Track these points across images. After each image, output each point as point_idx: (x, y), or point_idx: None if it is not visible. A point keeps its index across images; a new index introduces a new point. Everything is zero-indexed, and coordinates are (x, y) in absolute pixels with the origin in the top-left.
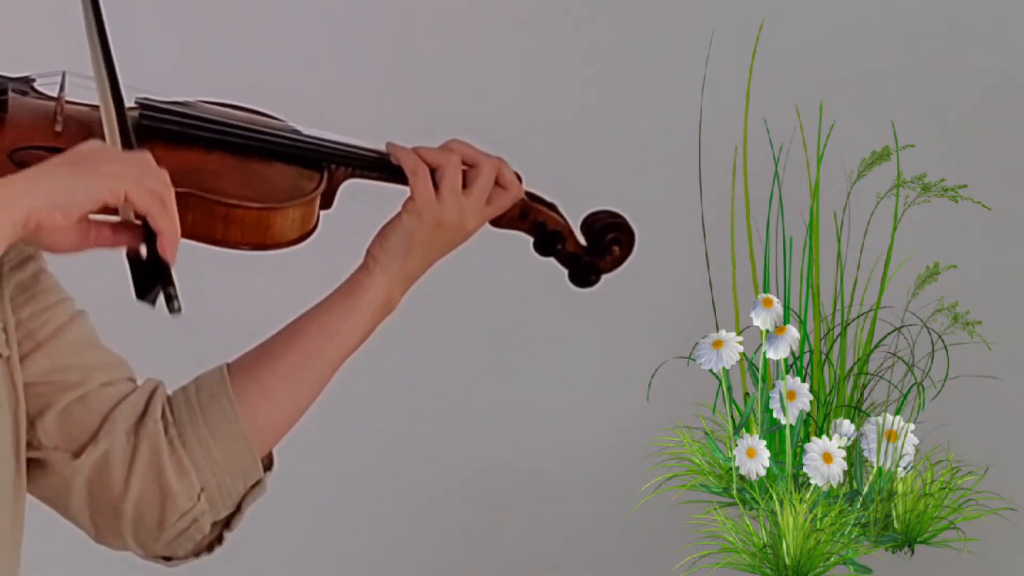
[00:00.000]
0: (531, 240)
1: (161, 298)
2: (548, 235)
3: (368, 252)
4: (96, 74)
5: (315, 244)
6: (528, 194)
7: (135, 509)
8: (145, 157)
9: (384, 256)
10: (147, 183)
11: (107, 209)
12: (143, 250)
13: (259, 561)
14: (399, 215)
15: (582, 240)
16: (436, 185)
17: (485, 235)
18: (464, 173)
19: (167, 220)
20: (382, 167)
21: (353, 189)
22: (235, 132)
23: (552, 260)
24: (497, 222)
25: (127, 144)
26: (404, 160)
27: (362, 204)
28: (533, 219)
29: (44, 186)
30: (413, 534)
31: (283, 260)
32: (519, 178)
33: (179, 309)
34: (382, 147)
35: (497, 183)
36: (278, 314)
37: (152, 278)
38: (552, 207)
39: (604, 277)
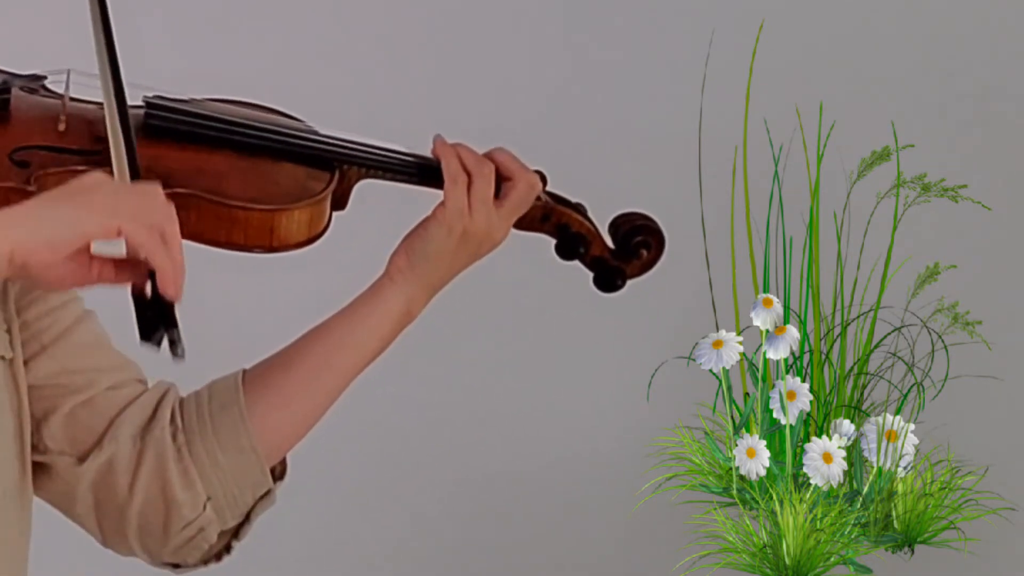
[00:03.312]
0: (553, 243)
1: (166, 342)
2: (571, 238)
3: (391, 261)
4: (101, 73)
5: (333, 246)
6: (552, 195)
7: (140, 516)
8: (148, 189)
9: (408, 266)
10: (145, 217)
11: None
12: (148, 289)
13: (266, 565)
14: (427, 223)
15: (610, 243)
16: (466, 195)
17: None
18: (498, 184)
19: (165, 258)
20: (397, 167)
21: (373, 190)
22: (241, 131)
23: (576, 264)
24: (518, 224)
25: (129, 143)
26: (447, 163)
27: (383, 205)
28: (556, 221)
29: (30, 221)
30: (413, 534)
31: (301, 261)
32: (543, 178)
33: (182, 355)
34: (397, 146)
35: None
36: (296, 316)
37: (156, 319)
38: (577, 208)
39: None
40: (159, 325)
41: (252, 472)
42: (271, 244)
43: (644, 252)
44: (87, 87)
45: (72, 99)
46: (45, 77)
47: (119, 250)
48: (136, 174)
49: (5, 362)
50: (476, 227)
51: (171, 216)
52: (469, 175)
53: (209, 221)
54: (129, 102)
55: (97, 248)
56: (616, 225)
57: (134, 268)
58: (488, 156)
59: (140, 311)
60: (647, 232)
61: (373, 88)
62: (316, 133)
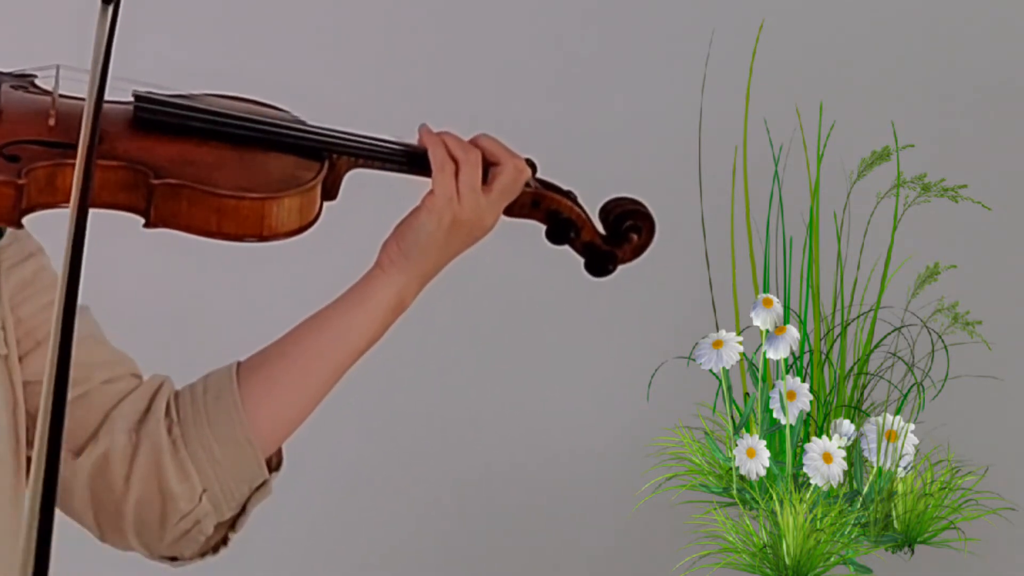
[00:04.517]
0: (543, 229)
1: None
2: (562, 223)
3: (383, 250)
4: (92, 69)
5: (326, 238)
6: (541, 182)
7: (136, 510)
8: None
9: (400, 256)
10: None
11: None
12: None
13: (261, 562)
14: (417, 212)
15: (600, 228)
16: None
17: (495, 250)
18: (486, 169)
19: None
20: (386, 156)
21: (363, 180)
22: (229, 122)
23: (566, 250)
24: (508, 210)
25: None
26: (433, 151)
27: (374, 194)
28: (546, 207)
29: None
30: (412, 534)
31: (295, 253)
32: (533, 166)
33: None
34: (388, 136)
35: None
36: (291, 308)
37: None
38: (568, 195)
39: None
40: None
41: (248, 464)
42: (262, 233)
43: (635, 236)
44: (76, 83)
45: (62, 95)
46: (34, 75)
47: None
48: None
49: (0, 358)
50: (465, 214)
51: None
52: (456, 162)
53: (200, 211)
54: (119, 97)
55: None
56: (606, 210)
57: None
58: (473, 143)
59: None
60: (637, 216)
61: (367, 79)
62: (304, 124)
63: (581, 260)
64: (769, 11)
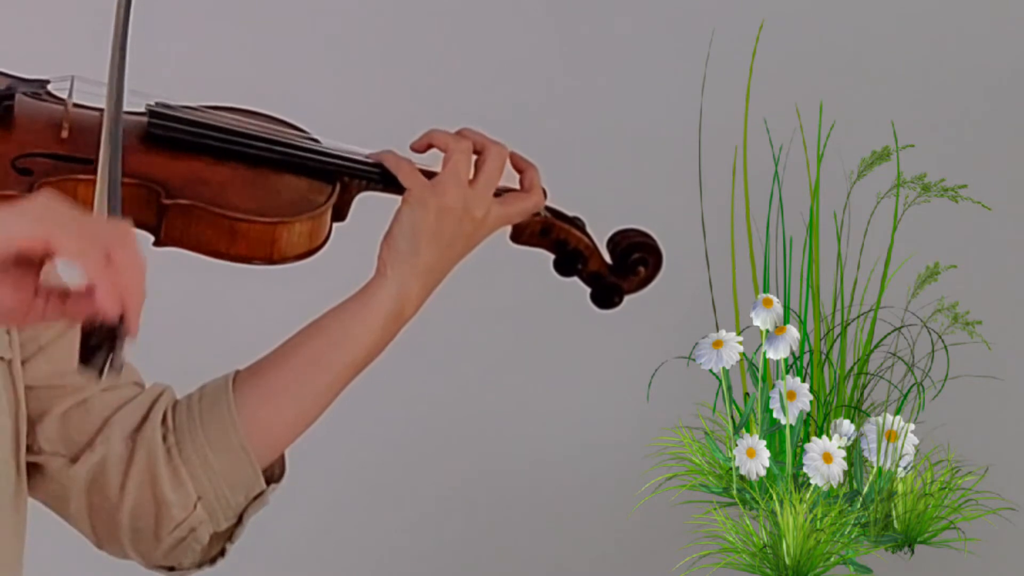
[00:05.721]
0: (552, 258)
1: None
2: (570, 254)
3: (378, 258)
4: (108, 81)
5: (333, 255)
6: (551, 210)
7: (131, 518)
8: (106, 217)
9: (392, 256)
10: (86, 232)
11: (28, 259)
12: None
13: (261, 566)
14: (399, 210)
15: (607, 258)
16: (441, 169)
17: (489, 238)
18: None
19: (103, 275)
20: (396, 181)
21: (369, 201)
22: (244, 142)
23: (574, 280)
24: (517, 238)
25: (114, 152)
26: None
27: (387, 210)
28: (555, 236)
29: None
30: (412, 534)
31: (300, 270)
32: (543, 193)
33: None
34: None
35: (521, 186)
36: (293, 325)
37: (100, 343)
38: (575, 223)
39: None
40: (101, 349)
41: (243, 472)
42: (272, 256)
43: (642, 269)
44: (90, 94)
45: (76, 105)
46: (49, 82)
47: (72, 277)
48: (116, 190)
49: (4, 363)
50: (451, 202)
51: (124, 241)
52: (442, 150)
53: (211, 232)
54: (132, 109)
55: (48, 278)
56: (615, 241)
57: (88, 300)
58: (459, 134)
59: (86, 336)
60: (645, 249)
61: (369, 96)
62: (318, 144)
63: (587, 290)
64: (769, 11)
